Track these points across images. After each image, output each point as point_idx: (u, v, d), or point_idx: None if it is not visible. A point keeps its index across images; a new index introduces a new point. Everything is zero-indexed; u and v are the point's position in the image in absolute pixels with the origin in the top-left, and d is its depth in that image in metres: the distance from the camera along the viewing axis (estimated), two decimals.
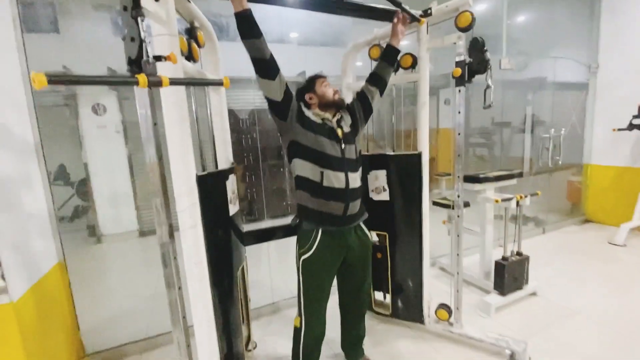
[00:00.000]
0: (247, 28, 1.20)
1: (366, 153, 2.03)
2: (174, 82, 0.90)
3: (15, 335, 1.31)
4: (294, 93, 1.43)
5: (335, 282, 1.61)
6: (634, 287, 2.50)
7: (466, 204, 2.11)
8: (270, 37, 1.33)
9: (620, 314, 2.15)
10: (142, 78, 0.81)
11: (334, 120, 1.48)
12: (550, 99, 3.82)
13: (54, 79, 0.66)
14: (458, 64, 1.67)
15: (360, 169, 1.54)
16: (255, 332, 2.05)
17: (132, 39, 0.83)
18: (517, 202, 2.25)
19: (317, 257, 1.44)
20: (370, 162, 1.99)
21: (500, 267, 2.26)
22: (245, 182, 2.53)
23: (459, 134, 1.74)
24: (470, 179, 2.33)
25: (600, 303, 2.30)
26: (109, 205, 2.04)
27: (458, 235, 1.85)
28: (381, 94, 1.64)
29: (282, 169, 2.66)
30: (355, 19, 2.68)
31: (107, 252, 2.07)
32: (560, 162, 3.63)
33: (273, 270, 2.44)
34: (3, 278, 1.27)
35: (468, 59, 1.65)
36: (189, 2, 1.30)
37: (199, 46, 1.38)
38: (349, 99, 1.83)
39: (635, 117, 3.39)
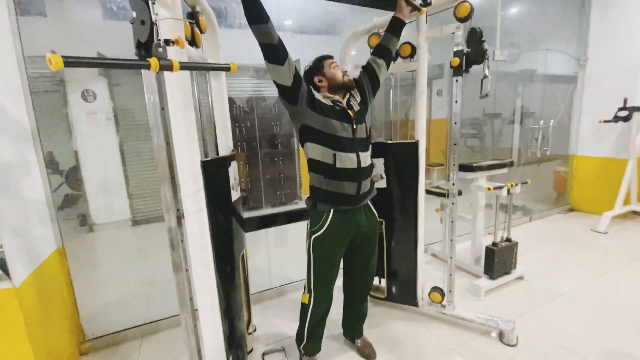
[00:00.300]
0: (255, 13, 1.19)
1: None
2: (184, 66, 0.90)
3: (19, 319, 1.31)
4: (302, 76, 1.43)
5: (341, 264, 1.65)
6: (614, 271, 2.64)
7: (459, 193, 2.17)
8: None
9: (600, 296, 2.29)
10: (153, 61, 0.82)
11: (345, 101, 1.49)
12: (541, 91, 3.91)
13: (71, 61, 0.66)
14: (456, 53, 1.70)
15: (370, 146, 1.56)
16: (254, 316, 2.10)
17: (142, 22, 0.83)
18: (508, 190, 2.33)
19: (328, 235, 1.48)
20: None
21: (490, 253, 2.36)
22: (246, 170, 2.53)
23: (455, 122, 1.79)
24: (463, 167, 2.39)
25: (582, 286, 2.43)
26: (101, 194, 2.02)
27: (452, 222, 1.92)
28: (387, 66, 1.63)
29: (280, 158, 2.68)
30: (352, 7, 2.67)
31: (100, 241, 2.07)
32: (548, 153, 3.75)
33: (271, 258, 2.48)
34: (5, 263, 1.27)
35: (466, 49, 1.69)
36: None
37: (201, 31, 1.37)
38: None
39: (620, 109, 3.51)
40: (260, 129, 2.55)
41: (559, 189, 4.35)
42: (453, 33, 1.70)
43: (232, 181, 1.53)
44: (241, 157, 2.54)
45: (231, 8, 2.31)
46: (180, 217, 1.10)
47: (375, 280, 2.27)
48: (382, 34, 1.65)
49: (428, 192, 2.49)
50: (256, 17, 1.20)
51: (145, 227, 2.25)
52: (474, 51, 1.66)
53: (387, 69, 1.65)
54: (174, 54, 1.00)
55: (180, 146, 1.12)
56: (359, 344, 1.82)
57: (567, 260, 2.87)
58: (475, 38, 1.65)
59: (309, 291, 1.59)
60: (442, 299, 2.02)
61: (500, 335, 1.86)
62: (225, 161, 1.48)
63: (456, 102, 1.76)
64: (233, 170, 1.57)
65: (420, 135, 1.90)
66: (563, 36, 3.91)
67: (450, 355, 1.76)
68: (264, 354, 1.83)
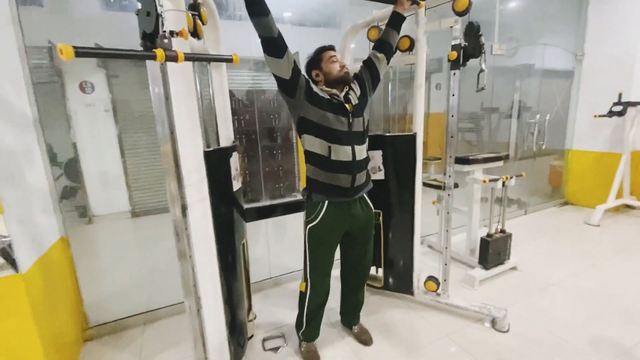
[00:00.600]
0: (256, 6, 1.21)
1: None
2: (188, 57, 0.92)
3: (25, 306, 1.35)
4: (301, 69, 1.45)
5: (338, 254, 1.69)
6: (604, 262, 2.71)
7: (455, 185, 2.22)
8: None
9: (591, 286, 2.35)
10: (159, 52, 0.84)
11: (342, 95, 1.50)
12: (538, 85, 3.94)
13: (81, 51, 0.69)
14: (454, 47, 1.72)
15: (367, 140, 1.59)
16: (255, 304, 2.15)
17: (148, 13, 0.85)
18: (503, 183, 2.37)
19: (323, 225, 1.52)
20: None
21: (485, 243, 2.41)
22: (245, 162, 2.56)
23: (452, 116, 1.82)
24: (460, 160, 2.43)
25: (573, 276, 2.50)
26: (100, 186, 2.03)
27: (448, 213, 1.96)
28: (388, 60, 1.65)
29: (279, 151, 2.70)
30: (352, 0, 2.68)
31: (101, 232, 2.09)
32: (544, 147, 3.79)
33: (271, 249, 2.52)
34: (12, 250, 1.30)
35: (464, 43, 1.71)
36: None
37: (203, 23, 1.39)
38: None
39: (615, 104, 3.55)
40: (259, 121, 2.56)
41: (554, 183, 4.42)
42: (451, 27, 1.72)
43: (233, 171, 1.56)
44: (240, 150, 2.56)
45: (232, 0, 2.32)
46: (185, 206, 1.13)
47: (373, 270, 2.31)
48: (382, 27, 1.67)
49: (425, 184, 2.53)
50: (257, 9, 1.22)
51: (145, 218, 2.27)
52: (472, 45, 1.69)
53: (388, 64, 1.67)
54: (178, 45, 1.02)
55: (183, 136, 1.15)
56: (356, 330, 1.88)
57: (560, 252, 2.94)
58: (472, 32, 1.68)
59: (306, 279, 1.64)
60: (437, 288, 2.07)
61: (493, 322, 1.92)
62: (226, 152, 1.51)
63: (453, 95, 1.79)
64: (234, 160, 1.60)
65: (418, 128, 1.93)
66: (561, 31, 3.92)
67: (444, 341, 1.82)
68: (264, 340, 1.88)
